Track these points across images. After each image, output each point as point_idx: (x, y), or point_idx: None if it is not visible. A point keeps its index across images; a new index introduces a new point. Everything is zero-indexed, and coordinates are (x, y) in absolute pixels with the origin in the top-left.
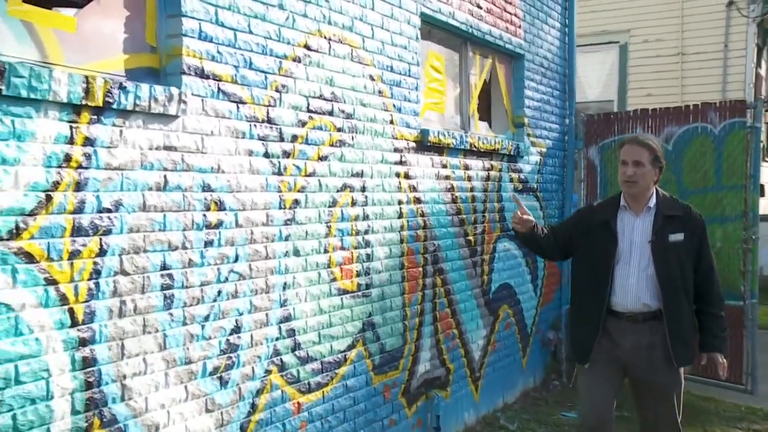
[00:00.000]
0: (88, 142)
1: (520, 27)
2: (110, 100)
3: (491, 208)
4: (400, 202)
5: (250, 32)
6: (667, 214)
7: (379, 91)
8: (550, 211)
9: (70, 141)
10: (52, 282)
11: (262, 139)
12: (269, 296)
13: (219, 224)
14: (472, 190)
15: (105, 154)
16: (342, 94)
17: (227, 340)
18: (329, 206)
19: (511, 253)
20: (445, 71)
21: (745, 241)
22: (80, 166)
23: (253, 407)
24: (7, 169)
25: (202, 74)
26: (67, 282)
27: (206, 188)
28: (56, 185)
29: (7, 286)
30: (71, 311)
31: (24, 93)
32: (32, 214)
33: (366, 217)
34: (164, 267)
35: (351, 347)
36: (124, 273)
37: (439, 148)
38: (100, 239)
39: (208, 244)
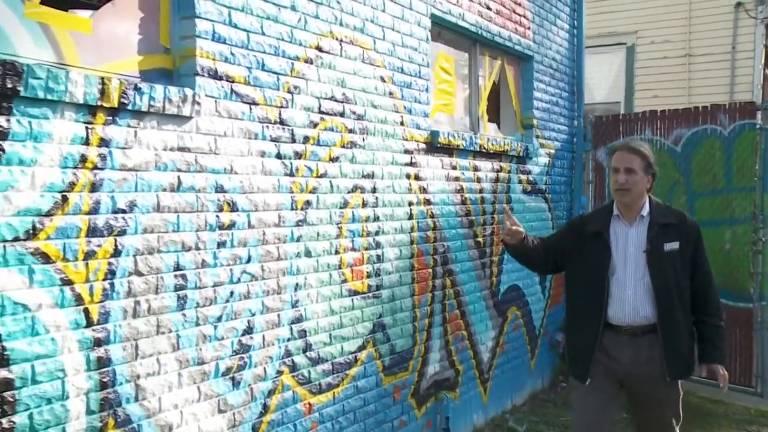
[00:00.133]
0: (103, 143)
1: (529, 28)
2: (125, 101)
3: (500, 209)
4: (410, 204)
5: (263, 33)
6: (662, 223)
7: (390, 93)
8: (559, 212)
9: (86, 142)
10: (67, 282)
11: (275, 140)
12: (281, 297)
13: (232, 225)
14: (481, 191)
15: (120, 155)
16: (353, 96)
17: (239, 340)
18: (340, 207)
19: None
20: (455, 72)
21: (754, 243)
22: (95, 167)
23: (265, 408)
24: (24, 169)
25: (215, 75)
26: (83, 282)
27: (219, 189)
28: (72, 186)
29: (24, 286)
30: (86, 311)
31: (41, 94)
32: (48, 214)
33: (376, 219)
34: (178, 267)
35: (361, 348)
36: (139, 273)
37: (448, 150)
38: (115, 240)
39: (221, 244)
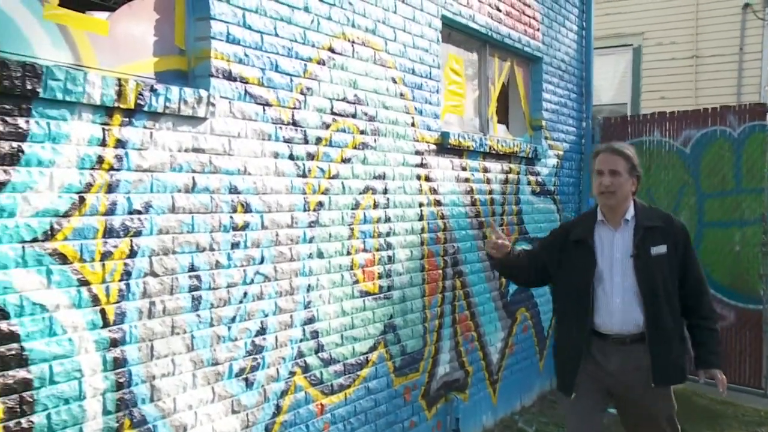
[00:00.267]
0: (120, 144)
1: (538, 30)
2: (141, 103)
3: (509, 210)
4: (420, 205)
5: (276, 35)
6: (648, 226)
7: (401, 94)
8: (567, 214)
9: (103, 143)
10: (84, 283)
11: (288, 141)
12: (293, 298)
13: (245, 226)
14: (490, 192)
15: (136, 156)
16: (365, 97)
17: (253, 341)
18: (352, 208)
19: None
20: (465, 74)
21: (764, 245)
22: (112, 168)
23: (278, 409)
24: (43, 170)
25: (229, 77)
26: (99, 283)
27: (233, 190)
28: (89, 187)
29: (42, 287)
30: (103, 312)
31: (60, 96)
32: (66, 215)
33: (388, 220)
34: (192, 268)
35: (373, 349)
36: (154, 274)
37: (458, 151)
38: (131, 240)
39: (235, 245)
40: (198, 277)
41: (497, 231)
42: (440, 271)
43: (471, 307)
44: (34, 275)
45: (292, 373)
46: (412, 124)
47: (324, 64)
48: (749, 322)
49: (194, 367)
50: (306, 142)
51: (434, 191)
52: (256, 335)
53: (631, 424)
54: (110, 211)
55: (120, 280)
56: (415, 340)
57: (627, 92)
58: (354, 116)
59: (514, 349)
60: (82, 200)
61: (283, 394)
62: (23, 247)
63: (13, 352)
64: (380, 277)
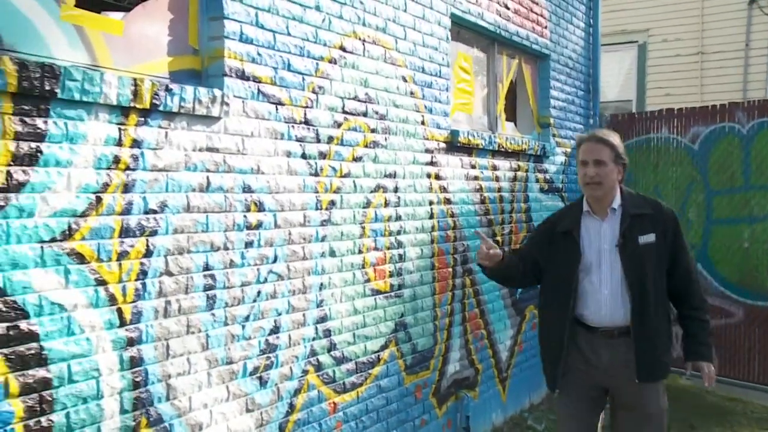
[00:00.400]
0: (136, 143)
1: (546, 27)
2: (157, 102)
3: (518, 208)
4: (431, 203)
5: (289, 34)
6: (635, 213)
7: (411, 92)
8: None
9: (119, 143)
10: (101, 282)
11: (300, 140)
12: (306, 297)
13: (259, 225)
14: (499, 190)
15: (151, 156)
16: (376, 96)
17: (266, 340)
18: (363, 207)
19: None
20: (473, 72)
21: None
22: (128, 168)
23: (291, 407)
24: (61, 171)
25: (242, 76)
26: (116, 282)
27: (247, 189)
28: (106, 187)
29: (60, 287)
30: (119, 311)
31: (77, 96)
32: (83, 215)
33: (398, 218)
34: (207, 267)
35: (384, 347)
36: (169, 273)
37: (468, 149)
38: (147, 240)
39: (249, 244)
40: (212, 276)
41: (488, 241)
42: (450, 270)
43: (480, 305)
44: (52, 275)
45: (305, 372)
46: (422, 123)
47: (335, 62)
48: (758, 319)
49: (209, 365)
50: (318, 141)
51: (444, 189)
52: (269, 334)
53: (619, 419)
54: (126, 211)
55: (136, 280)
56: (425, 339)
57: (632, 89)
58: (365, 115)
59: (523, 346)
60: (98, 200)
61: (297, 392)
62: (42, 247)
63: (33, 352)
64: (391, 275)
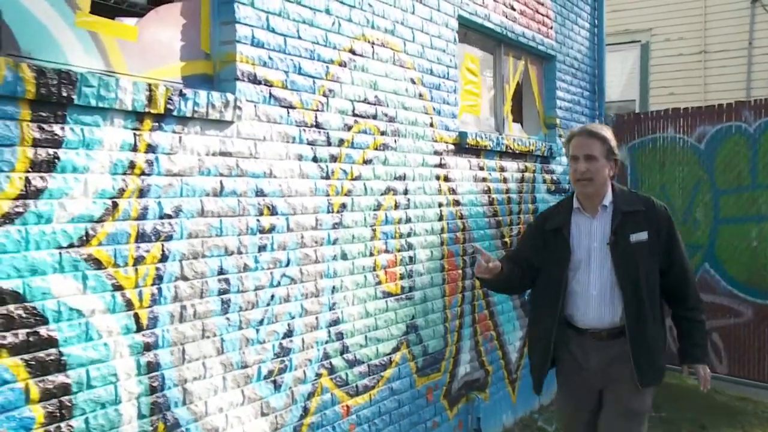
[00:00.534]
0: (150, 149)
1: (551, 28)
2: (171, 107)
3: (526, 209)
4: (440, 205)
5: (299, 38)
6: (627, 211)
7: (420, 94)
8: None
9: (134, 148)
10: (118, 288)
11: (311, 143)
12: (319, 300)
13: (272, 229)
14: (507, 191)
15: (165, 161)
16: (385, 98)
17: (280, 343)
18: (374, 209)
19: None
20: (480, 73)
21: None
22: (143, 173)
23: (305, 411)
24: (78, 177)
25: (254, 80)
26: (132, 288)
27: (259, 193)
28: (121, 192)
29: (78, 292)
30: (136, 316)
31: (93, 102)
32: (100, 220)
33: (408, 220)
34: (221, 272)
35: (396, 350)
36: (185, 278)
37: (476, 150)
38: (162, 245)
39: (262, 248)
40: (227, 281)
41: (487, 254)
42: (460, 271)
43: (490, 306)
44: (70, 281)
45: (319, 375)
46: (431, 125)
47: (345, 65)
48: (767, 318)
49: (224, 370)
50: (329, 144)
51: (453, 191)
52: (283, 337)
53: (603, 414)
54: (142, 216)
55: (152, 285)
56: (436, 341)
57: (635, 89)
58: (375, 117)
59: None
60: (115, 205)
61: (310, 395)
62: (60, 252)
63: (52, 358)
64: (402, 277)
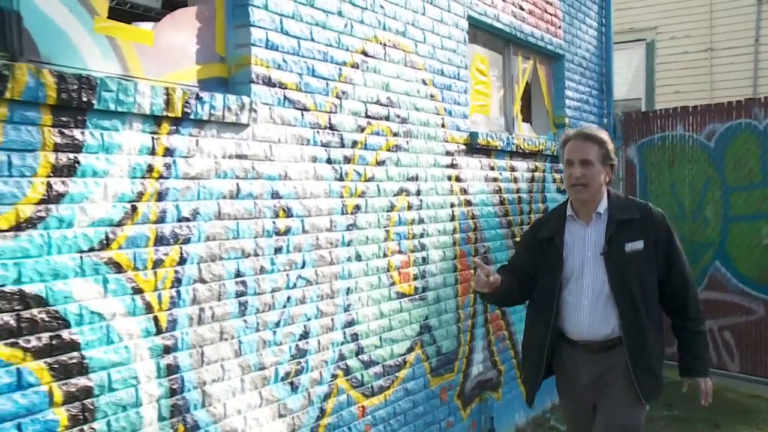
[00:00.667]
0: (168, 152)
1: (559, 27)
2: (188, 111)
3: (536, 209)
4: (452, 205)
5: (312, 40)
6: (622, 219)
7: (431, 95)
8: None
9: (152, 152)
10: (138, 291)
11: (325, 145)
12: (334, 301)
13: (287, 231)
14: (518, 191)
15: (183, 164)
16: (397, 99)
17: (297, 345)
18: (387, 210)
19: None
20: (489, 73)
21: None
22: (161, 176)
23: (322, 412)
24: (98, 181)
25: (269, 83)
26: (152, 291)
27: (275, 195)
28: (140, 196)
29: (99, 296)
30: (155, 319)
31: (112, 106)
32: (120, 224)
33: (421, 221)
34: (238, 274)
35: (410, 350)
36: (202, 281)
37: (487, 151)
38: (180, 248)
39: (278, 250)
40: (244, 283)
41: (486, 267)
42: (472, 271)
43: None
44: (91, 284)
45: (335, 376)
46: (442, 125)
47: (358, 67)
48: None
49: (242, 372)
50: (342, 145)
51: (464, 191)
52: (299, 339)
53: (595, 425)
54: (160, 219)
55: (171, 288)
56: (449, 341)
57: (641, 87)
58: (387, 119)
59: None
60: (134, 209)
61: (327, 397)
62: (81, 256)
63: (75, 361)
64: (415, 278)
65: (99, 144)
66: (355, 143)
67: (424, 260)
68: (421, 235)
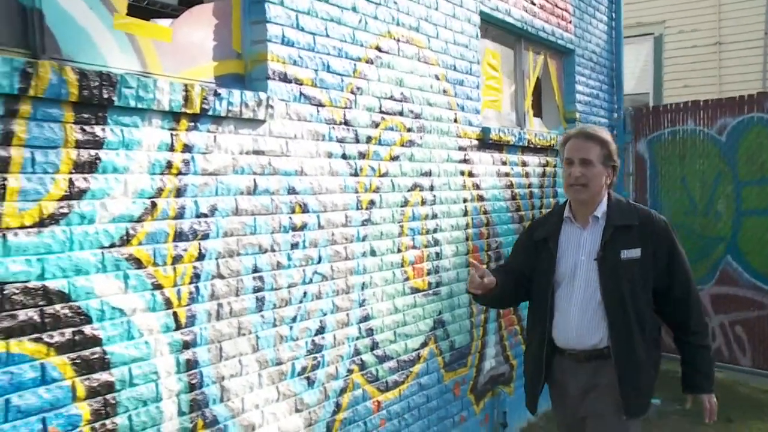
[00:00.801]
0: (187, 148)
1: (570, 22)
2: (206, 107)
3: (547, 204)
4: (464, 200)
5: (327, 36)
6: (620, 224)
7: (444, 91)
8: None
9: (171, 148)
10: (158, 287)
11: (340, 141)
12: (349, 296)
13: (303, 226)
14: (529, 186)
15: (201, 160)
16: (411, 95)
17: (313, 340)
18: (401, 206)
19: None
20: (501, 68)
21: None
22: (180, 173)
23: (338, 406)
24: (118, 177)
25: (285, 79)
26: (171, 286)
27: (291, 191)
28: (160, 192)
29: (120, 291)
30: (175, 315)
31: (132, 103)
32: (140, 220)
33: (434, 216)
34: (255, 269)
35: (424, 345)
36: (221, 276)
37: (499, 146)
38: (199, 244)
39: (294, 246)
40: (261, 278)
41: (481, 268)
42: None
43: None
44: (112, 280)
45: (350, 371)
46: (455, 121)
47: (372, 63)
48: None
49: (260, 367)
50: (357, 141)
51: (477, 186)
52: (315, 334)
53: None
54: (179, 215)
55: (190, 283)
56: (462, 336)
57: (649, 82)
58: (401, 114)
59: None
60: (153, 205)
61: (342, 391)
62: (102, 252)
63: (97, 356)
64: (429, 273)
65: (119, 140)
66: (369, 139)
67: (438, 255)
68: (435, 231)
